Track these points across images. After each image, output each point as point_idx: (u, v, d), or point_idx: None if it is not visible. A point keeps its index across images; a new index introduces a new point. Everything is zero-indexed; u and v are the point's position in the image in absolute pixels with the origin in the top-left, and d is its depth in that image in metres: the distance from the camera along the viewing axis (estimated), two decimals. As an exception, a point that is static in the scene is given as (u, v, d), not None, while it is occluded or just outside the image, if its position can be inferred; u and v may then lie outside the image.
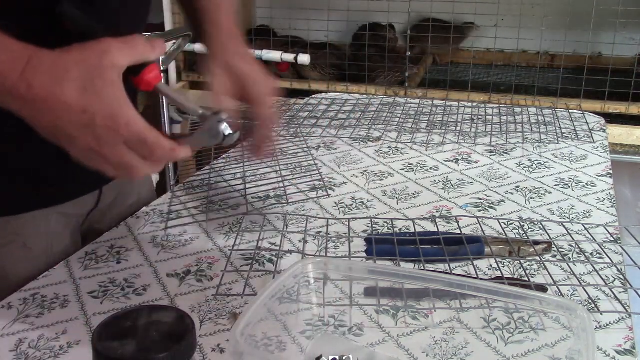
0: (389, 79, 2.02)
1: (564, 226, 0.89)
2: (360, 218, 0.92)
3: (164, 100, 1.79)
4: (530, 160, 1.15)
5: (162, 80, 0.66)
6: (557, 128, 1.31)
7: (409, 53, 2.08)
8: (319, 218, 0.92)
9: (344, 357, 0.61)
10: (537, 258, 0.81)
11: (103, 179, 0.70)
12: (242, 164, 1.11)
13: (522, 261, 0.81)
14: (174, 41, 1.81)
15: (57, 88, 0.58)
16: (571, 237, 0.86)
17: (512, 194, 1.01)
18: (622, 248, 0.83)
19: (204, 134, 0.67)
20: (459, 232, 0.87)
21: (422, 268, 0.78)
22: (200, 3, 0.83)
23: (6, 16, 0.68)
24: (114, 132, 0.59)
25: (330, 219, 0.92)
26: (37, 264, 0.82)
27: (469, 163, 1.14)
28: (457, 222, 0.90)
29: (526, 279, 0.76)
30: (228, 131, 0.66)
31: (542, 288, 0.74)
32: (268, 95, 0.79)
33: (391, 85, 2.02)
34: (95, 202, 0.91)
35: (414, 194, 1.01)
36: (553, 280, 0.76)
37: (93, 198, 0.90)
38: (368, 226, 0.90)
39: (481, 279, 0.76)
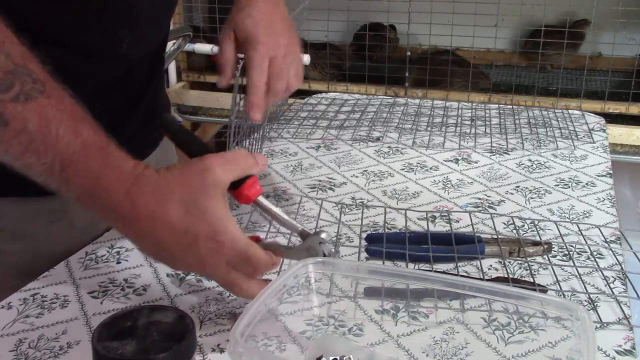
0: (456, 87, 1.99)
1: (558, 226, 0.89)
2: (375, 206, 0.92)
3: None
4: (530, 160, 1.15)
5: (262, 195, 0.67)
6: (557, 128, 1.31)
7: (409, 53, 2.08)
8: (318, 218, 0.92)
9: (344, 357, 0.61)
10: (537, 258, 0.81)
11: (144, 155, 0.70)
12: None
13: (522, 261, 0.81)
14: (174, 41, 1.81)
15: (161, 209, 0.58)
16: (566, 238, 0.86)
17: (512, 194, 1.01)
18: (628, 246, 0.83)
19: (303, 251, 0.66)
20: (459, 232, 0.88)
21: (431, 266, 0.78)
22: None
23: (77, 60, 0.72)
24: (217, 253, 0.60)
25: (335, 221, 0.92)
26: (80, 241, 0.85)
27: (469, 163, 1.14)
28: (450, 221, 0.90)
29: (526, 279, 0.76)
30: (327, 251, 0.66)
31: (542, 288, 0.74)
32: (262, 60, 0.77)
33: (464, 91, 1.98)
34: None
35: (414, 194, 1.01)
36: (554, 279, 0.76)
37: None
38: (368, 226, 0.90)
39: (481, 279, 0.76)
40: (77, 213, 0.85)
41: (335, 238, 0.70)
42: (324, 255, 0.66)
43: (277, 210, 0.68)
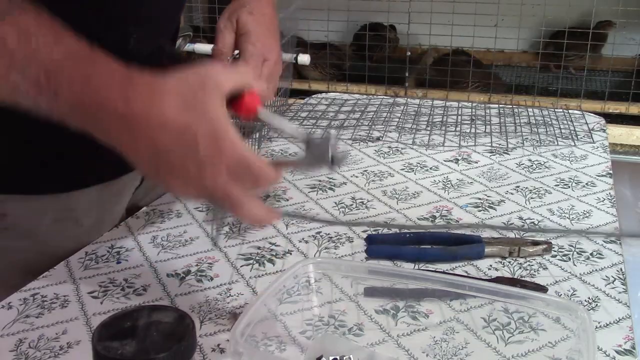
0: (473, 87, 1.97)
1: (558, 226, 0.89)
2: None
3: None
4: (530, 160, 1.15)
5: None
6: (557, 128, 1.31)
7: (409, 53, 2.08)
8: (319, 219, 0.92)
9: (344, 357, 0.61)
10: (537, 258, 0.81)
11: None
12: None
13: (522, 261, 0.81)
14: (174, 41, 1.81)
15: (156, 106, 0.54)
16: (566, 238, 0.86)
17: (512, 194, 1.01)
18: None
19: (311, 157, 0.61)
20: (458, 232, 0.88)
21: (432, 266, 0.78)
22: None
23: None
24: (217, 157, 0.54)
25: (332, 221, 0.92)
26: (87, 239, 0.85)
27: (469, 163, 1.14)
28: (450, 221, 0.90)
29: (526, 279, 0.77)
30: (336, 156, 0.61)
31: (542, 288, 0.74)
32: (258, 57, 0.76)
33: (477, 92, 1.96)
34: (140, 179, 0.94)
35: (414, 194, 1.01)
36: (554, 279, 0.76)
37: (139, 175, 0.93)
38: (368, 226, 0.90)
39: (481, 279, 0.76)
40: (83, 211, 0.85)
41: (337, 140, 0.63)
42: (332, 161, 0.61)
43: (278, 119, 0.62)
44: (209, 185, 0.55)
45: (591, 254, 0.83)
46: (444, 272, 0.77)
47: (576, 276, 0.78)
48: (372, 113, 1.41)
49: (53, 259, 0.81)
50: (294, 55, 1.89)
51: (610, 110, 1.86)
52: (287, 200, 0.99)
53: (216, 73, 0.56)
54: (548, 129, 1.30)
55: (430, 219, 0.92)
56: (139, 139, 0.54)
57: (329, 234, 0.88)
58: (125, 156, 0.56)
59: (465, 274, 0.78)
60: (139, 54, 0.82)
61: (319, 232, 0.88)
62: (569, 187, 1.03)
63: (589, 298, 0.73)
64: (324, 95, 1.59)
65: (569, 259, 0.82)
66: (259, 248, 0.84)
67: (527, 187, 1.03)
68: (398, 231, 0.88)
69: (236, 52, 0.80)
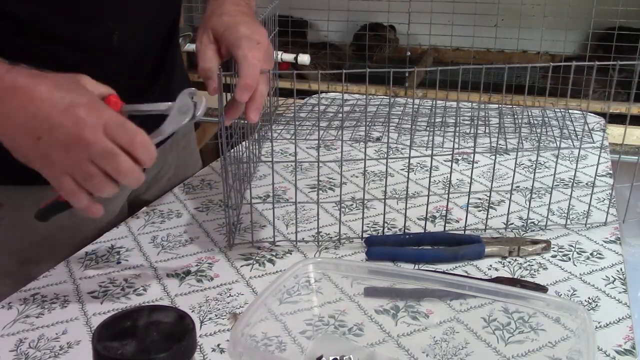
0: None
1: (558, 226, 0.89)
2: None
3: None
4: (530, 160, 1.15)
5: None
6: (557, 128, 1.31)
7: (409, 53, 2.08)
8: (319, 218, 0.92)
9: (344, 357, 0.61)
10: (537, 258, 0.81)
11: None
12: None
13: (522, 261, 0.81)
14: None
15: (39, 81, 0.60)
16: (566, 238, 0.86)
17: (512, 194, 1.00)
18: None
19: (175, 114, 0.67)
20: (460, 232, 0.88)
21: (432, 267, 0.78)
22: None
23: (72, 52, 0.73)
24: (95, 112, 0.60)
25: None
26: (81, 229, 0.86)
27: (469, 163, 1.14)
28: (450, 221, 0.90)
29: (526, 279, 0.77)
30: (199, 105, 0.68)
31: (542, 288, 0.74)
32: (249, 43, 0.73)
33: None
34: None
35: (414, 194, 1.01)
36: (554, 279, 0.76)
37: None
38: (368, 226, 0.90)
39: (481, 279, 0.76)
40: None
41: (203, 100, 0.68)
42: (194, 105, 0.67)
43: (143, 106, 0.68)
44: (88, 140, 0.59)
45: (591, 254, 0.83)
46: (444, 272, 0.77)
47: (576, 276, 0.78)
48: (372, 113, 1.41)
49: (48, 248, 0.83)
50: (294, 55, 1.89)
51: (610, 110, 1.86)
52: (287, 200, 0.99)
53: (86, 79, 0.64)
54: (548, 129, 1.30)
55: (430, 219, 0.92)
56: (19, 107, 0.60)
57: (329, 234, 0.88)
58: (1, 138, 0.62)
59: (465, 274, 0.78)
60: (126, 53, 0.82)
61: (319, 232, 0.88)
62: (569, 187, 1.03)
63: (589, 298, 0.73)
64: (323, 95, 1.59)
65: (569, 259, 0.82)
66: (259, 248, 0.84)
67: (527, 187, 1.03)
68: (398, 232, 0.88)
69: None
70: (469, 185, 1.04)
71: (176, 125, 0.67)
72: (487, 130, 1.29)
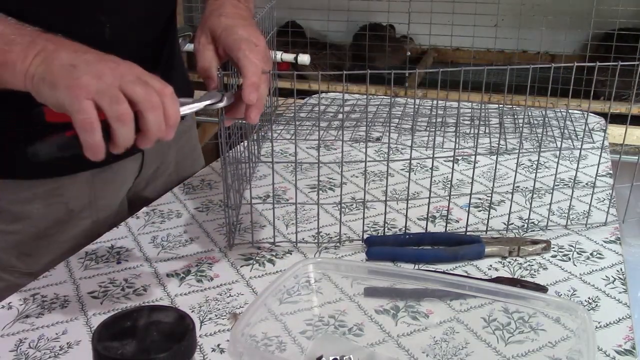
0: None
1: (558, 226, 0.89)
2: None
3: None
4: (530, 160, 1.15)
5: None
6: (557, 128, 1.31)
7: (409, 53, 2.08)
8: (319, 218, 0.92)
9: (344, 357, 0.61)
10: (537, 258, 0.81)
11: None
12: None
13: (522, 261, 0.81)
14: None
15: (77, 46, 0.64)
16: (566, 238, 0.86)
17: (512, 194, 1.00)
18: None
19: (202, 97, 0.70)
20: (460, 232, 0.88)
21: (432, 267, 0.78)
22: None
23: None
24: (131, 66, 0.63)
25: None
26: (80, 222, 0.87)
27: (469, 163, 1.14)
28: (450, 221, 0.90)
29: (526, 279, 0.77)
30: (225, 94, 0.71)
31: (542, 288, 0.74)
32: (248, 45, 0.73)
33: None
34: (138, 169, 0.96)
35: (414, 194, 1.01)
36: (554, 279, 0.76)
37: (136, 165, 0.95)
38: (368, 226, 0.90)
39: (481, 279, 0.76)
40: (73, 197, 0.87)
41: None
42: (221, 97, 0.71)
43: (195, 100, 0.71)
44: (123, 70, 0.62)
45: (591, 254, 0.83)
46: (444, 272, 0.77)
47: (576, 276, 0.78)
48: (372, 113, 1.41)
49: (46, 242, 0.84)
50: (294, 55, 1.89)
51: (611, 110, 1.86)
52: (287, 200, 0.99)
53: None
54: (548, 129, 1.30)
55: (430, 219, 0.92)
56: (60, 50, 0.62)
57: (329, 234, 0.88)
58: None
59: (465, 274, 0.78)
60: (120, 46, 0.82)
61: (319, 232, 0.88)
62: (569, 187, 1.03)
63: (589, 298, 0.73)
64: (323, 95, 1.59)
65: (569, 259, 0.82)
66: (259, 248, 0.84)
67: (527, 187, 1.03)
68: (398, 232, 0.88)
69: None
70: (469, 185, 1.04)
71: (200, 104, 0.69)
72: (487, 131, 1.29)
